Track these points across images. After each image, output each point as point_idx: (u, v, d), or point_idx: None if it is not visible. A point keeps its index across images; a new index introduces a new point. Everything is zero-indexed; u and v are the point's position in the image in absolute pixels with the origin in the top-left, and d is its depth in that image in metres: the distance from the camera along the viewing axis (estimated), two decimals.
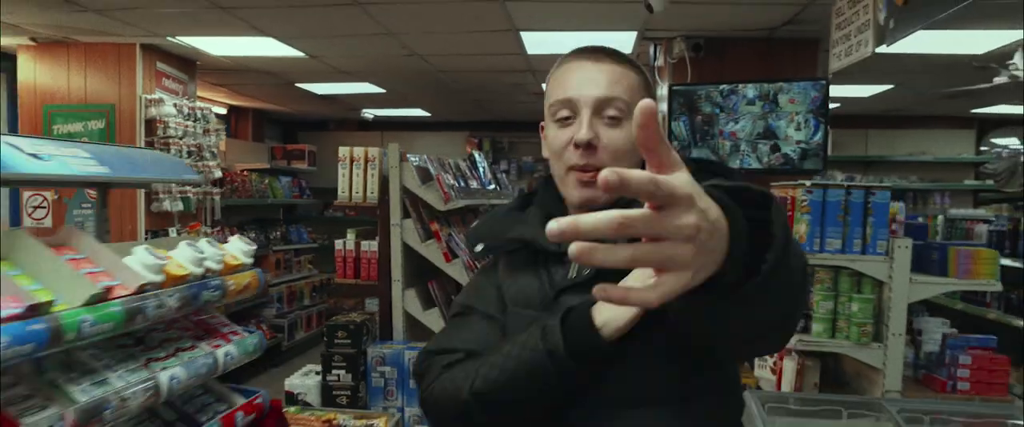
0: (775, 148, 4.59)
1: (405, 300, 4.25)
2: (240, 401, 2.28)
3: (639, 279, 0.97)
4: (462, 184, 5.17)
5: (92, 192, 5.71)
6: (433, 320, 4.28)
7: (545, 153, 1.36)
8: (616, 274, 1.05)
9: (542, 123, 1.38)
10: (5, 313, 1.46)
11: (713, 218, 0.71)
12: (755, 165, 4.64)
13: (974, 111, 8.92)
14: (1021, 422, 3.12)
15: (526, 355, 1.18)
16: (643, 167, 0.75)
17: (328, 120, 11.60)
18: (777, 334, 1.05)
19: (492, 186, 6.88)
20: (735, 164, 4.66)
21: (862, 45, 3.16)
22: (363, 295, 4.85)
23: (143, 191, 5.72)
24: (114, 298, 1.72)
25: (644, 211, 0.67)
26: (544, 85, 5.74)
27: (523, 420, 1.23)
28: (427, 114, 10.35)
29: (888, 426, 3.08)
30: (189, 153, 6.07)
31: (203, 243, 2.11)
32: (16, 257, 1.68)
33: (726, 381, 1.25)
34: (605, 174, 0.63)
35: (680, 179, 0.68)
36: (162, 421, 2.06)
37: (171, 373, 1.87)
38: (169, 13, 4.76)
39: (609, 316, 1.13)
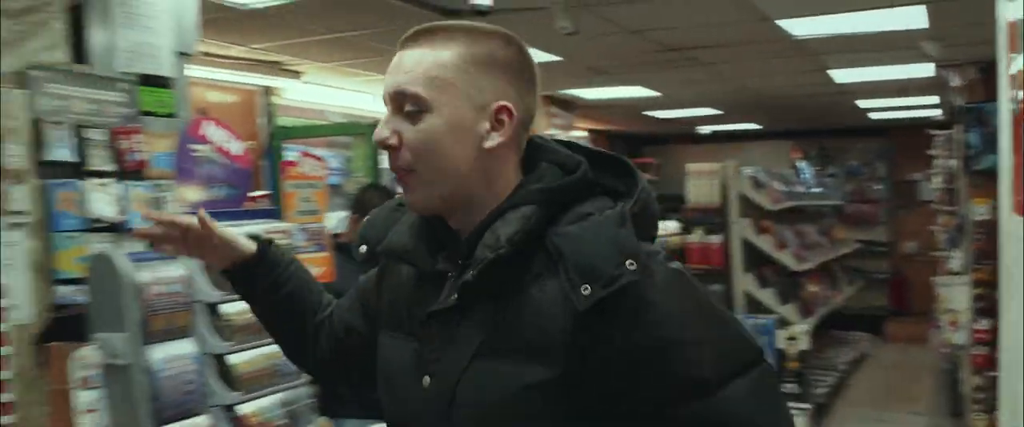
0: None
1: (744, 282, 5.75)
2: None
3: None
4: (788, 189, 6.58)
5: None
6: (767, 298, 5.75)
7: None
8: (478, 303, 1.07)
9: None
10: None
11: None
12: None
13: None
14: None
15: None
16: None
17: (667, 136, 13.27)
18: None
19: (816, 189, 8.10)
20: None
21: None
22: (709, 279, 6.20)
23: None
24: None
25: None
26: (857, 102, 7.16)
27: None
28: (758, 126, 11.69)
29: None
30: None
31: None
32: None
33: None
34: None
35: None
36: None
37: None
38: (562, 77, 6.79)
39: None
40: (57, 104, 2.50)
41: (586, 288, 1.00)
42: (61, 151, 2.49)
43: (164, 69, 2.84)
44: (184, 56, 2.95)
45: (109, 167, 2.61)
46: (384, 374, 1.21)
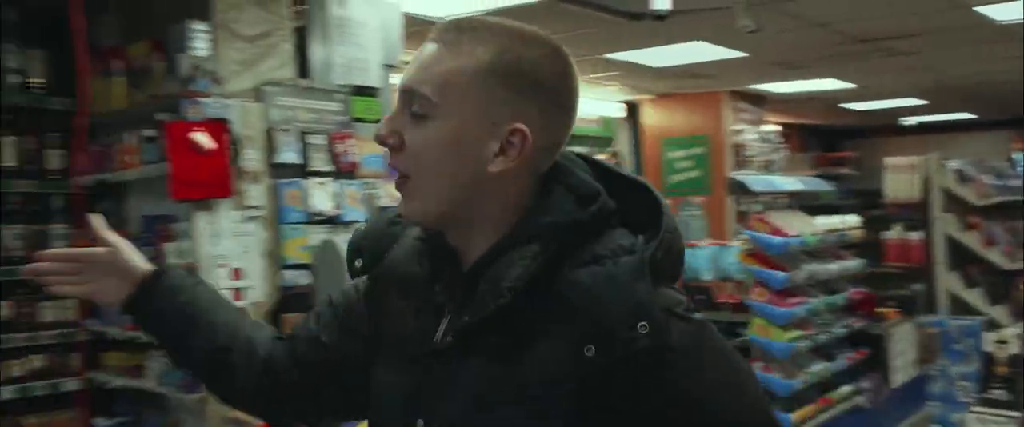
0: None
1: (948, 281, 5.46)
2: None
3: None
4: (1001, 182, 6.15)
5: (696, 199, 7.98)
6: (974, 298, 5.43)
7: None
8: (478, 344, 0.98)
9: None
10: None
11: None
12: None
13: None
14: None
15: None
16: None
17: (867, 128, 12.65)
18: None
19: None
20: None
21: None
22: (908, 278, 5.90)
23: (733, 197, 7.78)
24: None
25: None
26: None
27: None
28: (972, 116, 10.91)
29: None
30: (765, 167, 8.02)
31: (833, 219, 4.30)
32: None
33: None
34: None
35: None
36: None
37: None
38: (748, 72, 6.72)
39: None
40: (286, 114, 2.91)
41: (590, 349, 0.90)
42: (289, 155, 2.89)
43: (372, 80, 3.21)
44: (389, 68, 3.30)
45: (327, 168, 2.99)
46: (376, 410, 1.12)
